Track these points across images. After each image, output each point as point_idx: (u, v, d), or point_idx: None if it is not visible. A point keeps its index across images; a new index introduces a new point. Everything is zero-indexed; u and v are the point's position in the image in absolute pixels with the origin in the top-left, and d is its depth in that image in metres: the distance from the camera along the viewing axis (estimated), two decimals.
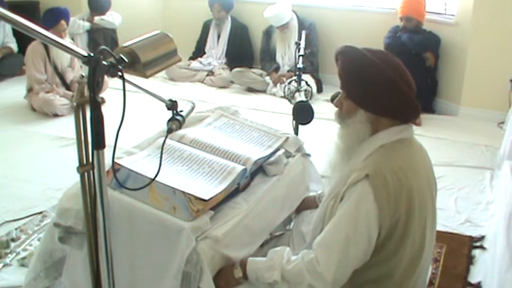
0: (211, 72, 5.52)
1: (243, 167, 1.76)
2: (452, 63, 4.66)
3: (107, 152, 1.22)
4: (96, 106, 1.17)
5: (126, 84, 1.24)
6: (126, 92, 1.19)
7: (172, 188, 1.57)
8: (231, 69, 5.44)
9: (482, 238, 2.70)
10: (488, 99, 4.47)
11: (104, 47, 1.18)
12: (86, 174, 1.32)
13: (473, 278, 2.38)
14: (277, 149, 2.03)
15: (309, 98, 3.28)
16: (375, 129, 1.56)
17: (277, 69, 5.28)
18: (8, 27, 5.32)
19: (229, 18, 5.61)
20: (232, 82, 5.40)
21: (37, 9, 5.75)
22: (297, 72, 2.80)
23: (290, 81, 3.20)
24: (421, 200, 1.52)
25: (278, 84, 5.11)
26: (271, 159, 1.96)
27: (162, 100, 1.51)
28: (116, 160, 1.62)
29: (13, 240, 2.53)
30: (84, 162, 1.31)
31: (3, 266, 2.34)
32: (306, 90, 2.94)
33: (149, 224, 1.57)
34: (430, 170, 1.64)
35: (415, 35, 4.53)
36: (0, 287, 2.21)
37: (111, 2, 5.43)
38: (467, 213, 2.97)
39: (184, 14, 6.09)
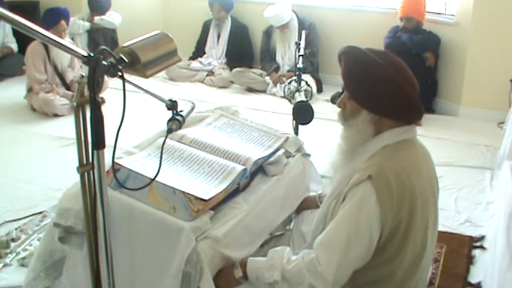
0: (211, 72, 5.51)
1: (243, 167, 1.76)
2: (452, 63, 4.66)
3: (107, 152, 1.22)
4: (96, 106, 1.17)
5: (126, 84, 1.24)
6: (126, 92, 1.19)
7: (172, 188, 1.57)
8: (231, 69, 5.43)
9: (482, 238, 2.70)
10: (488, 99, 4.47)
11: (104, 47, 1.18)
12: (86, 174, 1.32)
13: (473, 278, 2.38)
14: (277, 149, 2.03)
15: (309, 98, 3.28)
16: (378, 130, 1.56)
17: (277, 69, 5.28)
18: (8, 27, 5.33)
19: (229, 18, 5.61)
20: (232, 82, 5.40)
21: (37, 9, 5.75)
22: (297, 72, 2.80)
23: (290, 81, 3.20)
24: (424, 201, 1.52)
25: (278, 84, 5.11)
26: (271, 159, 1.96)
27: (162, 100, 1.51)
28: (116, 160, 1.62)
29: (13, 240, 2.53)
30: (84, 162, 1.31)
31: (3, 266, 2.34)
32: (306, 90, 2.94)
33: (149, 224, 1.57)
34: (432, 171, 1.64)
35: (415, 35, 4.53)
36: (0, 287, 2.21)
37: (111, 2, 5.43)
38: (467, 213, 2.97)
39: (184, 14, 6.09)
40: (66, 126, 4.05)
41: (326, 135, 3.74)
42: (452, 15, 4.68)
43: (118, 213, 1.57)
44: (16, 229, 2.63)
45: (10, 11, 1.03)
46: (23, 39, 5.05)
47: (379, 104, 1.52)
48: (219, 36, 5.69)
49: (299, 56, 2.92)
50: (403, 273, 1.55)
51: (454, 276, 2.38)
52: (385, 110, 1.53)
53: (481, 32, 4.37)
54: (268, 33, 5.39)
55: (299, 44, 3.02)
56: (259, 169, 1.94)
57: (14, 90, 4.90)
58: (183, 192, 1.56)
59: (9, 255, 2.42)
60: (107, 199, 1.26)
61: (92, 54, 1.15)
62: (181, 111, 1.53)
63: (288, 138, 2.12)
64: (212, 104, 3.87)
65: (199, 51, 5.79)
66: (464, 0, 4.48)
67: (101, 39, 5.37)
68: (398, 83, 1.49)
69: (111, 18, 5.43)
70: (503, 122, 3.94)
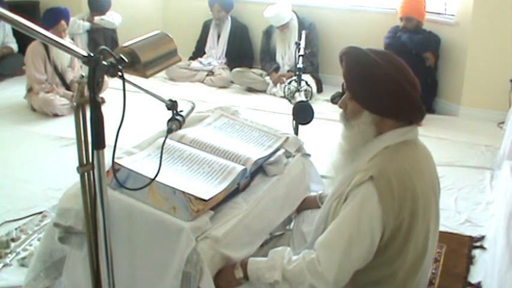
0: (211, 72, 5.51)
1: (243, 167, 1.76)
2: (452, 63, 4.66)
3: (107, 152, 1.22)
4: (96, 106, 1.17)
5: (126, 84, 1.24)
6: (126, 92, 1.19)
7: (172, 188, 1.57)
8: (231, 69, 5.43)
9: (482, 238, 2.69)
10: (488, 99, 4.47)
11: (104, 47, 1.18)
12: (86, 174, 1.32)
13: (473, 278, 2.38)
14: (277, 149, 2.03)
15: (309, 98, 3.28)
16: (379, 131, 1.55)
17: (277, 69, 5.28)
18: (8, 27, 5.33)
19: (229, 18, 5.61)
20: (232, 82, 5.40)
21: (37, 9, 5.75)
22: (297, 72, 2.80)
23: (290, 81, 3.20)
24: (425, 201, 1.52)
25: (278, 84, 5.11)
26: (271, 159, 1.96)
27: (162, 100, 1.51)
28: (116, 160, 1.62)
29: (13, 240, 2.53)
30: (84, 162, 1.31)
31: (3, 266, 2.34)
32: (306, 90, 2.95)
33: (149, 224, 1.57)
34: (433, 171, 1.64)
35: (415, 35, 4.53)
36: (0, 287, 2.21)
37: (111, 2, 5.43)
38: (467, 213, 2.97)
39: (184, 14, 6.09)
40: (66, 126, 4.05)
41: (326, 135, 3.74)
42: (452, 15, 4.68)
43: (118, 213, 1.57)
44: (16, 229, 2.63)
45: (10, 11, 1.03)
46: (23, 39, 5.05)
47: (381, 104, 1.52)
48: (219, 36, 5.69)
49: (299, 56, 2.92)
50: (405, 274, 1.55)
51: (454, 276, 2.38)
52: (386, 111, 1.53)
53: (481, 32, 4.37)
54: (268, 33, 5.39)
55: (299, 44, 3.02)
56: (259, 169, 1.94)
57: (14, 90, 4.90)
58: (183, 192, 1.56)
59: (9, 255, 2.42)
60: (107, 199, 1.26)
61: (92, 54, 1.15)
62: (181, 111, 1.53)
63: (288, 138, 2.12)
64: (212, 104, 3.87)
65: (199, 51, 5.79)
66: (464, 0, 4.48)
67: (101, 39, 5.37)
68: (399, 84, 1.49)
69: (111, 18, 5.43)
70: (503, 122, 3.94)
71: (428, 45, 4.57)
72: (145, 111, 4.12)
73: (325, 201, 1.71)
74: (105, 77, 1.19)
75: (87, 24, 5.33)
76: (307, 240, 1.83)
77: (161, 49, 1.38)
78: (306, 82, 3.08)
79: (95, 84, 1.14)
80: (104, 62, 1.16)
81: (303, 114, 2.37)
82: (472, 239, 2.68)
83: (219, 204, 1.67)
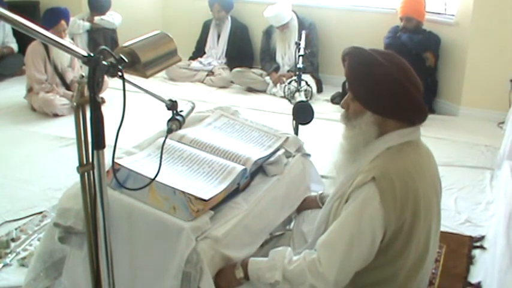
0: (211, 72, 5.51)
1: (243, 167, 1.76)
2: (452, 63, 4.66)
3: (107, 152, 1.22)
4: (96, 106, 1.17)
5: (126, 84, 1.24)
6: (126, 92, 1.19)
7: (172, 188, 1.57)
8: (231, 69, 5.43)
9: (482, 238, 2.69)
10: (488, 99, 4.47)
11: (104, 47, 1.18)
12: (86, 174, 1.32)
13: (473, 278, 2.38)
14: (277, 149, 2.03)
15: (309, 98, 3.29)
16: (381, 131, 1.55)
17: (277, 69, 5.28)
18: (8, 27, 5.33)
19: (229, 18, 5.61)
20: (232, 82, 5.40)
21: (37, 9, 5.75)
22: (297, 72, 2.80)
23: (290, 81, 3.20)
24: (427, 202, 1.52)
25: (278, 84, 5.11)
26: (271, 159, 1.96)
27: (162, 100, 1.51)
28: (116, 160, 1.62)
29: (13, 240, 2.53)
30: (84, 162, 1.31)
31: (3, 266, 2.34)
32: (306, 90, 2.95)
33: (149, 224, 1.57)
34: (435, 172, 1.64)
35: (415, 35, 4.53)
36: (0, 287, 2.21)
37: (111, 2, 5.43)
38: (467, 213, 2.97)
39: (184, 14, 6.09)
40: (66, 126, 4.05)
41: (326, 135, 3.74)
42: (452, 15, 4.68)
43: (118, 213, 1.57)
44: (16, 229, 2.62)
45: (10, 11, 1.03)
46: (23, 39, 5.05)
47: (383, 105, 1.51)
48: (219, 36, 5.69)
49: (299, 56, 2.92)
50: (406, 274, 1.55)
51: (454, 276, 2.38)
52: (388, 111, 1.52)
53: (481, 32, 4.37)
54: (268, 33, 5.39)
55: (299, 44, 3.02)
56: (259, 169, 1.94)
57: (14, 90, 4.90)
58: (183, 192, 1.56)
59: (9, 255, 2.41)
60: (107, 199, 1.26)
61: (92, 54, 1.15)
62: (181, 111, 1.53)
63: (288, 138, 2.12)
64: (212, 104, 3.87)
65: (199, 51, 5.79)
66: (464, 0, 4.48)
67: (101, 39, 5.37)
68: (402, 84, 1.48)
69: (111, 18, 5.43)
70: (503, 122, 3.94)
71: (428, 45, 4.57)
72: (145, 111, 4.12)
73: (326, 201, 1.71)
74: (105, 77, 1.19)
75: (87, 24, 5.33)
76: (308, 240, 1.83)
77: (161, 49, 1.38)
78: (306, 82, 3.09)
79: (95, 84, 1.14)
80: (104, 62, 1.16)
81: (303, 114, 2.37)
82: (472, 239, 2.68)
83: (219, 204, 1.67)
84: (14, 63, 5.36)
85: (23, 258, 2.37)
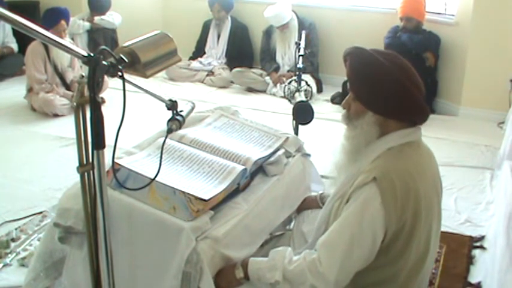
0: (211, 72, 5.52)
1: (243, 167, 1.76)
2: (452, 63, 4.66)
3: (107, 152, 1.22)
4: (96, 106, 1.17)
5: (126, 84, 1.24)
6: (126, 92, 1.19)
7: (172, 188, 1.57)
8: (231, 69, 5.43)
9: (482, 238, 2.69)
10: (488, 99, 4.47)
11: (104, 47, 1.18)
12: (86, 174, 1.32)
13: (473, 278, 2.38)
14: (277, 149, 2.03)
15: (309, 98, 3.29)
16: (383, 132, 1.55)
17: (277, 69, 5.28)
18: (8, 27, 5.33)
19: (229, 18, 5.61)
20: (232, 82, 5.40)
21: (37, 9, 5.75)
22: (297, 72, 2.80)
23: (290, 81, 3.20)
24: (428, 203, 1.52)
25: (278, 84, 5.11)
26: (271, 159, 1.96)
27: (162, 100, 1.51)
28: (116, 160, 1.62)
29: (13, 240, 2.53)
30: (84, 162, 1.31)
31: (3, 266, 2.34)
32: (306, 90, 2.95)
33: (149, 224, 1.57)
34: (436, 172, 1.64)
35: (415, 35, 4.53)
36: (0, 287, 2.21)
37: (111, 2, 5.43)
38: (467, 213, 2.97)
39: (184, 14, 6.09)
40: (66, 126, 4.05)
41: (326, 135, 3.74)
42: (452, 15, 4.68)
43: (118, 213, 1.57)
44: (16, 229, 2.62)
45: (10, 11, 1.03)
46: (23, 39, 5.05)
47: (384, 105, 1.51)
48: (219, 36, 5.69)
49: (299, 56, 2.92)
50: (407, 274, 1.55)
51: (454, 276, 2.38)
52: (389, 112, 1.52)
53: (481, 32, 4.37)
54: (268, 33, 5.39)
55: (299, 44, 3.02)
56: (259, 169, 1.94)
57: (14, 90, 4.90)
58: (183, 192, 1.56)
59: (9, 255, 2.41)
60: (107, 199, 1.26)
61: (92, 54, 1.15)
62: (181, 111, 1.53)
63: (288, 138, 2.12)
64: (212, 104, 3.87)
65: (199, 51, 5.79)
66: (464, 0, 4.48)
67: (101, 39, 5.37)
68: (403, 85, 1.48)
69: (111, 18, 5.43)
70: (503, 122, 3.94)
71: (428, 45, 4.57)
72: (145, 111, 4.11)
73: (327, 201, 1.71)
74: (105, 77, 1.19)
75: (87, 24, 5.33)
76: (308, 240, 1.83)
77: (161, 49, 1.38)
78: (306, 82, 3.08)
79: (95, 84, 1.14)
80: (104, 62, 1.16)
81: (303, 114, 2.37)
82: (472, 239, 2.68)
83: (219, 204, 1.67)
84: (14, 63, 5.36)
85: (23, 258, 2.37)
